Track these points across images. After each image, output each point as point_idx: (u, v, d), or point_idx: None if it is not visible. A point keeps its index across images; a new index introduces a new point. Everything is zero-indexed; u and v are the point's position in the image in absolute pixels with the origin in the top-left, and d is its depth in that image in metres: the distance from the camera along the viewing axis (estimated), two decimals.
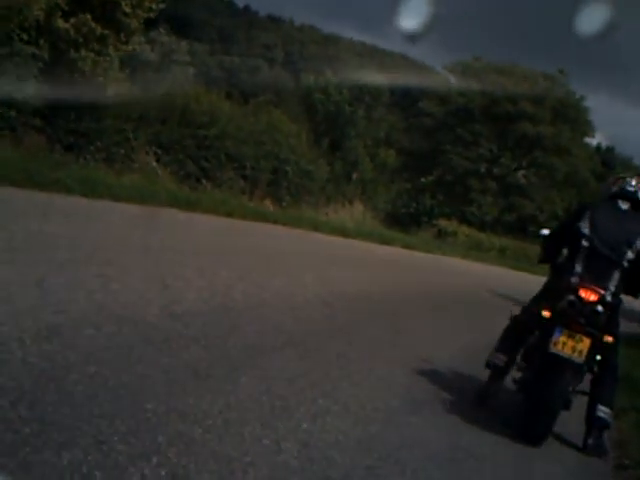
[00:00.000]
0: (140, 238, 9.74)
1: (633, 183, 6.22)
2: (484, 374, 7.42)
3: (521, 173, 40.17)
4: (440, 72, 43.88)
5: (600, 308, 5.61)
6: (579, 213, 6.20)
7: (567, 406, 5.85)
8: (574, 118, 39.79)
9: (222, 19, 57.82)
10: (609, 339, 5.72)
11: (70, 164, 13.76)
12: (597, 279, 5.74)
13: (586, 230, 5.92)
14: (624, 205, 6.13)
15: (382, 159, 34.99)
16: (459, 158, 37.53)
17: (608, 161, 43.81)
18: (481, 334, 10.06)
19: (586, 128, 41.66)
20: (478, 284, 20.06)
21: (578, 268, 5.85)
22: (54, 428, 3.44)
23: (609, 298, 5.70)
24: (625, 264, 5.82)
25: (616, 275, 5.81)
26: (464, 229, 34.52)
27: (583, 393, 6.14)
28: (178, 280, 7.60)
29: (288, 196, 22.41)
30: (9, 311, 4.94)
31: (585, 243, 5.88)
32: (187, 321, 6.13)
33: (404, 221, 32.66)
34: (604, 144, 45.80)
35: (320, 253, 15.73)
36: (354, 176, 31.30)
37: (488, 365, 6.48)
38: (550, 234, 6.80)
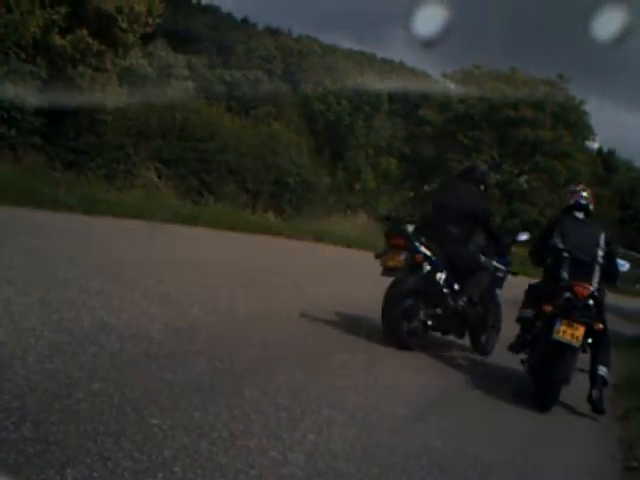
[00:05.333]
0: (142, 254, 9.75)
1: (584, 195, 7.72)
2: (485, 378, 7.57)
3: (523, 179, 40.07)
4: (439, 80, 43.82)
5: (591, 302, 6.90)
6: (550, 230, 7.58)
7: (567, 381, 7.05)
8: (574, 122, 39.74)
9: (220, 32, 57.90)
10: (599, 326, 6.96)
11: (71, 182, 13.78)
12: (583, 280, 7.01)
13: (561, 245, 7.25)
14: (579, 214, 7.62)
15: (384, 168, 35.05)
16: (461, 165, 37.40)
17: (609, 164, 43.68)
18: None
19: (586, 132, 41.61)
20: None
21: (565, 274, 7.09)
22: (58, 447, 3.43)
23: (597, 293, 7.01)
24: (600, 260, 7.23)
25: (597, 273, 7.19)
26: None
27: (580, 370, 7.31)
28: (181, 294, 7.60)
29: (290, 208, 22.41)
30: (12, 330, 4.94)
31: (565, 254, 7.17)
32: (190, 335, 6.13)
33: None
34: (605, 148, 45.71)
35: (323, 264, 15.71)
36: (356, 186, 31.32)
37: (519, 319, 7.75)
38: (533, 246, 8.13)
